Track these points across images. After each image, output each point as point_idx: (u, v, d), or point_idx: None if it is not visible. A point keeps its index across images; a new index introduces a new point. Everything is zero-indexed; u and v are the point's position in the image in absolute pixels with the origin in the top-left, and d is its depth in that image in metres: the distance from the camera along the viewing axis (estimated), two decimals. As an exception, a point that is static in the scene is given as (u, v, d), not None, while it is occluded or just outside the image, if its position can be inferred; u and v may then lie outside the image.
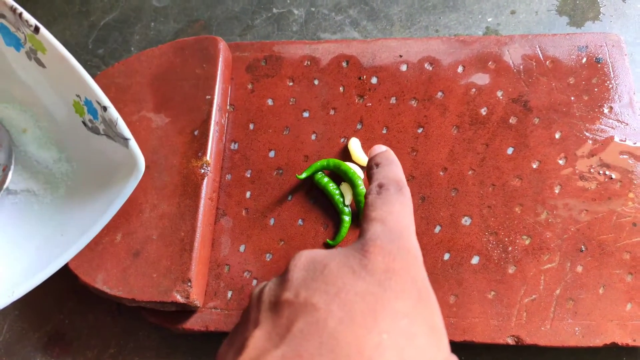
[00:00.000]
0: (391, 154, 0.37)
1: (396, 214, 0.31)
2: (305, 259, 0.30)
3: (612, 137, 0.47)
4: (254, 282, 0.46)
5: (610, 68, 0.49)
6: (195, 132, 0.48)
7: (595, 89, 0.49)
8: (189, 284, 0.42)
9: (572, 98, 0.49)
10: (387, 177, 0.35)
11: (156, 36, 0.62)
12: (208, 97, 0.49)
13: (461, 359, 0.45)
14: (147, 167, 0.47)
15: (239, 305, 0.45)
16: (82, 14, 0.65)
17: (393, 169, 0.36)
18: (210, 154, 0.47)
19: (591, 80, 0.49)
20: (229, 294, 0.45)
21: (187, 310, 0.45)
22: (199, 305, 0.44)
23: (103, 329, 0.49)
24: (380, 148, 0.39)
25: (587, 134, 0.47)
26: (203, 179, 0.46)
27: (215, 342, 0.47)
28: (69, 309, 0.50)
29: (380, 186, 0.34)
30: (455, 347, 0.44)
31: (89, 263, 0.44)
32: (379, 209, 0.32)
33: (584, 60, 0.50)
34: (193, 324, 0.44)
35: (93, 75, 0.60)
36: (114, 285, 0.43)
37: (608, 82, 0.49)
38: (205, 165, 0.46)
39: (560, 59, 0.50)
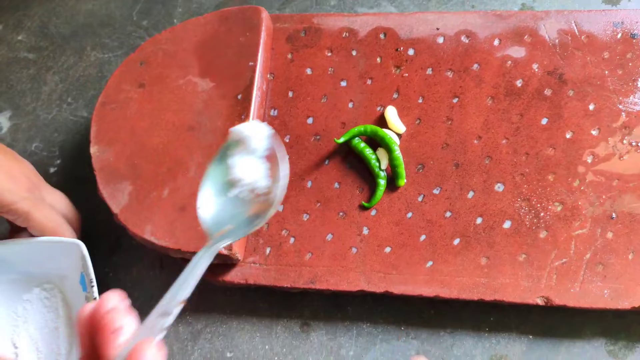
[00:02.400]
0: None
1: None
2: None
3: (645, 110, 0.48)
4: (292, 240, 0.48)
5: (646, 43, 0.50)
6: (239, 97, 0.50)
7: (630, 64, 0.50)
8: (232, 237, 0.45)
9: (607, 72, 0.49)
10: None
11: (198, 9, 0.64)
12: (251, 63, 0.51)
13: (490, 319, 0.46)
14: (192, 128, 0.49)
15: (277, 261, 0.47)
16: (127, -13, 0.68)
17: None
18: (252, 118, 0.49)
19: (626, 55, 0.50)
20: (268, 250, 0.47)
21: (228, 264, 0.47)
22: (239, 258, 0.46)
23: (146, 282, 0.52)
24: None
25: (620, 106, 0.48)
26: (246, 140, 0.48)
27: (252, 298, 0.50)
28: (113, 262, 0.53)
29: None
30: (485, 306, 0.45)
31: (138, 215, 0.46)
32: None
33: (619, 35, 0.51)
34: (233, 276, 0.47)
35: (137, 45, 0.63)
36: (162, 236, 0.45)
37: (643, 57, 0.50)
38: (248, 127, 0.49)
39: (596, 34, 0.51)
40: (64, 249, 0.48)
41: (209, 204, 0.34)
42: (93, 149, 0.50)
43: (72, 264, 0.48)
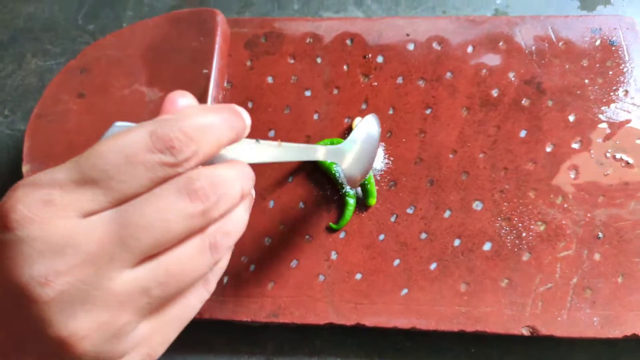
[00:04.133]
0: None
1: None
2: None
3: (628, 121, 0.45)
4: (252, 267, 0.43)
5: (625, 51, 0.48)
6: (191, 108, 0.45)
7: (610, 72, 0.47)
8: (183, 267, 0.39)
9: (586, 81, 0.47)
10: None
11: (150, 12, 0.59)
12: (205, 71, 0.46)
13: (471, 350, 0.42)
14: (138, 143, 0.44)
15: (236, 292, 0.42)
16: (71, -12, 0.62)
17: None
18: (206, 131, 0.44)
19: (605, 63, 0.47)
20: (225, 279, 0.42)
21: (179, 297, 0.42)
22: (192, 290, 0.41)
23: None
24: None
25: (602, 117, 0.45)
26: (199, 156, 0.43)
27: (209, 332, 0.45)
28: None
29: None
30: (466, 337, 0.41)
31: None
32: None
33: (598, 42, 0.48)
34: (186, 311, 0.41)
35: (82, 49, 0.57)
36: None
37: (623, 65, 0.47)
38: (201, 142, 0.44)
39: (574, 41, 0.48)
40: None
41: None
42: (25, 168, 0.44)
43: None
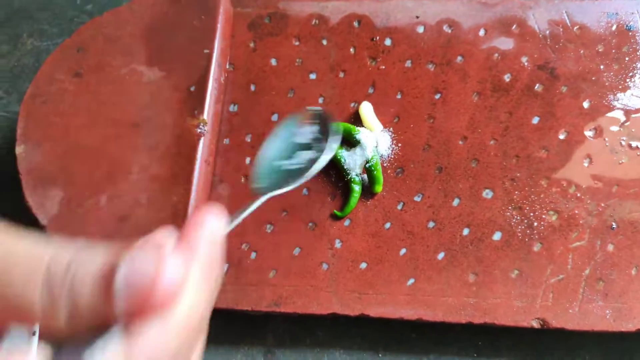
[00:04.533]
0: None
1: None
2: None
3: (644, 109, 0.44)
4: (253, 255, 0.41)
5: (642, 36, 0.46)
6: (192, 89, 0.43)
7: (626, 58, 0.45)
8: (182, 253, 0.38)
9: (602, 66, 0.45)
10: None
11: (149, -8, 0.58)
12: (206, 51, 0.44)
13: (478, 343, 0.41)
14: (136, 124, 0.43)
15: (236, 280, 0.41)
16: (69, -34, 0.60)
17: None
18: (207, 113, 0.43)
19: (622, 49, 0.46)
20: (225, 267, 0.41)
21: (178, 284, 0.40)
22: (191, 277, 0.39)
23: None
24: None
25: (617, 104, 0.44)
26: (199, 139, 0.42)
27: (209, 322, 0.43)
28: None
29: None
30: (472, 328, 0.40)
31: (70, 228, 0.40)
32: None
33: (614, 27, 0.46)
34: (184, 299, 0.40)
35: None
36: (97, 252, 0.39)
37: (640, 50, 0.45)
38: (202, 124, 0.42)
39: (589, 26, 0.47)
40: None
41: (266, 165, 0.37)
42: (19, 149, 0.43)
43: None
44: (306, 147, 0.38)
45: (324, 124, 0.38)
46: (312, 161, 0.37)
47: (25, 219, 0.44)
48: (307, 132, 0.38)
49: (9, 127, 0.54)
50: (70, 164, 0.42)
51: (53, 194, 0.41)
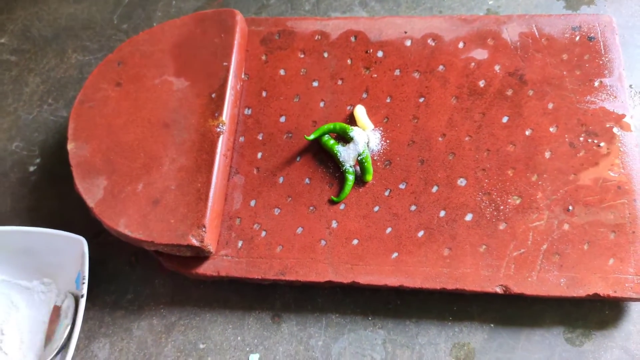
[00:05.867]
0: None
1: None
2: None
3: (601, 109, 0.50)
4: (263, 233, 0.49)
5: (602, 46, 0.53)
6: (213, 95, 0.51)
7: (587, 65, 0.52)
8: (204, 229, 0.46)
9: (565, 72, 0.52)
10: None
11: (177, 13, 0.66)
12: (225, 64, 0.53)
13: (453, 308, 0.48)
14: (167, 125, 0.51)
15: (249, 253, 0.48)
16: (108, -9, 0.69)
17: None
18: (226, 115, 0.51)
19: (583, 57, 0.52)
20: (240, 243, 0.49)
21: (200, 257, 0.48)
22: (212, 250, 0.47)
23: (121, 277, 0.53)
24: None
25: (578, 105, 0.51)
26: (219, 136, 0.50)
27: (224, 291, 0.51)
28: (90, 257, 0.54)
29: None
30: (448, 295, 0.47)
31: (113, 209, 0.48)
32: None
33: (577, 38, 0.53)
34: (206, 269, 0.48)
35: (117, 46, 0.64)
36: (135, 229, 0.47)
37: (599, 58, 0.52)
38: (221, 124, 0.50)
39: (555, 37, 0.53)
40: (68, 244, 0.49)
41: None
42: (70, 145, 0.52)
43: (72, 259, 0.50)
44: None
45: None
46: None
47: (75, 202, 0.53)
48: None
49: (57, 129, 0.62)
50: (113, 157, 0.50)
51: (98, 182, 0.49)
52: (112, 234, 0.49)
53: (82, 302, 0.47)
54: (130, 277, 0.53)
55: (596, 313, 0.46)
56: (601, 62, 0.52)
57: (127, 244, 0.50)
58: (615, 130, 0.49)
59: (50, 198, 0.58)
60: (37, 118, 0.63)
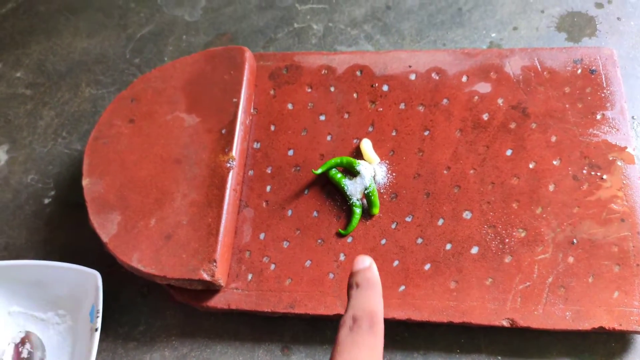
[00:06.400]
0: (373, 274, 0.33)
1: None
2: None
3: (604, 141, 0.51)
4: (272, 266, 0.50)
5: (604, 79, 0.54)
6: (223, 131, 0.53)
7: (589, 98, 0.53)
8: (215, 264, 0.47)
9: (567, 105, 0.53)
10: (363, 308, 0.31)
11: (187, 47, 0.68)
12: (235, 100, 0.54)
13: (460, 341, 0.48)
14: (178, 160, 0.52)
15: (258, 286, 0.49)
16: (120, 26, 0.72)
17: (371, 296, 0.32)
18: (235, 151, 0.52)
19: (585, 90, 0.53)
20: (250, 276, 0.50)
21: (211, 290, 0.49)
22: (222, 284, 0.48)
23: (133, 309, 0.54)
24: (363, 262, 0.33)
25: (580, 138, 0.52)
26: (229, 172, 0.51)
27: (235, 323, 0.52)
28: (103, 290, 0.55)
29: (354, 320, 0.31)
30: (456, 327, 0.48)
31: (126, 244, 0.49)
32: (346, 354, 0.29)
33: (579, 71, 0.54)
34: (216, 302, 0.49)
35: (130, 81, 0.66)
36: (148, 263, 0.48)
37: (601, 91, 0.53)
38: (231, 160, 0.52)
39: (557, 70, 0.55)
40: (83, 277, 0.51)
41: None
42: (85, 181, 0.53)
43: (86, 293, 0.51)
44: None
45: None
46: None
47: (89, 233, 0.54)
48: None
49: (72, 162, 0.64)
50: (126, 193, 0.52)
51: (112, 217, 0.51)
52: (125, 268, 0.50)
53: (96, 336, 0.48)
54: (142, 308, 0.54)
55: (602, 345, 0.47)
56: (603, 94, 0.53)
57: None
58: (618, 162, 0.50)
59: (65, 229, 0.59)
60: (52, 151, 0.64)
